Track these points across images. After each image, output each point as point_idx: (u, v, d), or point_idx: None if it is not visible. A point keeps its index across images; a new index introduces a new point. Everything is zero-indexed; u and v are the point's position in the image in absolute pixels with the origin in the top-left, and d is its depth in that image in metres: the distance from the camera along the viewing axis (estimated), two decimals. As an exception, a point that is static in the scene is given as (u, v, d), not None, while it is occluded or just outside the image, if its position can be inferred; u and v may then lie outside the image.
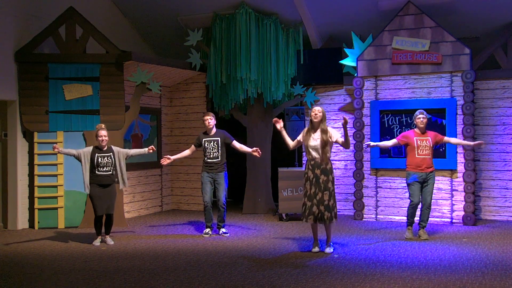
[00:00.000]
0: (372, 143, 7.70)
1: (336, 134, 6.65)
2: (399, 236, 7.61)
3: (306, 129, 6.76)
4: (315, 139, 6.57)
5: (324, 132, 6.54)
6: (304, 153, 7.48)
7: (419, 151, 7.36)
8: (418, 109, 7.71)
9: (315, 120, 6.58)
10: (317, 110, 6.59)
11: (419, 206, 7.49)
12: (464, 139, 8.53)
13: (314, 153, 6.58)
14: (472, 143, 7.75)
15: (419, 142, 7.37)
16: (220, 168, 7.86)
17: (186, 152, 8.11)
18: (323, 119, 6.60)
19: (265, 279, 5.50)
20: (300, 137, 6.82)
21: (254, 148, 7.80)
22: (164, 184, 10.79)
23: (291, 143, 6.86)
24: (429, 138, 7.38)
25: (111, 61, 8.84)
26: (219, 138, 7.86)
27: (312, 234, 6.87)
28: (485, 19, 9.21)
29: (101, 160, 7.29)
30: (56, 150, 7.16)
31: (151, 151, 7.53)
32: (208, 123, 7.86)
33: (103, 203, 7.27)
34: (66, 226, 8.75)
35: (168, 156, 7.96)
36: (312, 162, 6.60)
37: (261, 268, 5.96)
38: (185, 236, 7.97)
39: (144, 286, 5.36)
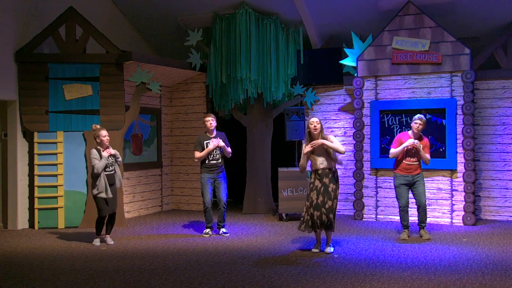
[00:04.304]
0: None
1: (335, 141, 6.65)
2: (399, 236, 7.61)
3: (306, 141, 6.72)
4: (320, 150, 6.59)
5: (326, 140, 6.59)
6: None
7: (408, 156, 7.31)
8: (418, 110, 7.63)
9: (314, 132, 6.60)
10: (315, 122, 6.60)
11: (412, 208, 7.50)
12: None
13: (320, 164, 6.59)
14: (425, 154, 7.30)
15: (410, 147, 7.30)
16: (221, 169, 7.88)
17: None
18: (321, 130, 6.64)
19: (265, 279, 5.50)
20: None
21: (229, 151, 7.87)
22: (164, 184, 10.78)
23: (305, 165, 6.71)
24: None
25: (111, 61, 8.84)
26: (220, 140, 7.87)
27: (313, 235, 6.86)
28: (485, 19, 9.21)
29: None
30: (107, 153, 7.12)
31: (105, 154, 7.18)
32: (210, 124, 7.84)
33: (109, 202, 7.23)
34: (66, 226, 8.75)
35: None
36: (320, 172, 6.60)
37: (261, 268, 5.97)
38: (185, 236, 7.97)
39: (144, 286, 5.36)
